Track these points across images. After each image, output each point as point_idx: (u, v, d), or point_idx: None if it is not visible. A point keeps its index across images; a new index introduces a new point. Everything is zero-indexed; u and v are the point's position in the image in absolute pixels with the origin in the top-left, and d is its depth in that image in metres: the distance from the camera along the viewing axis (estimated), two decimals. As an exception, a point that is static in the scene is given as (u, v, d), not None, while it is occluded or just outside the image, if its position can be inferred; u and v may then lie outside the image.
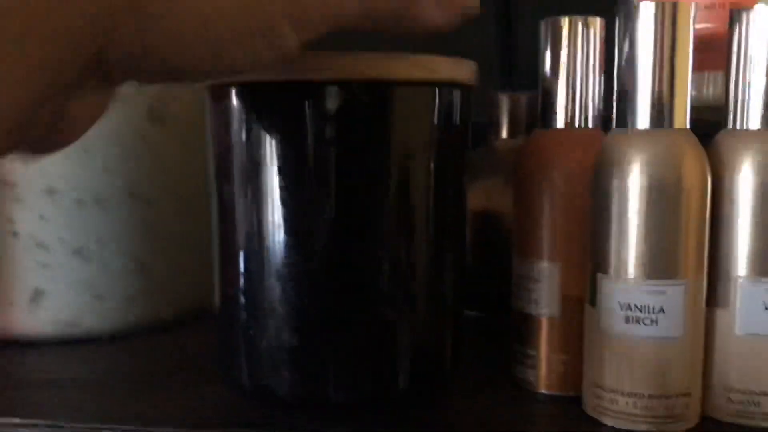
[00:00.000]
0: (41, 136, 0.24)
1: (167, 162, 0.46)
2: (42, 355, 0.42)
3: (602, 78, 0.36)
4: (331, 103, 0.30)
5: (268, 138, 0.31)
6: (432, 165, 0.33)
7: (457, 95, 0.33)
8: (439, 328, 0.34)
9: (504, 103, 0.52)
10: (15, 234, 0.43)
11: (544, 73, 0.36)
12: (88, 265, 0.44)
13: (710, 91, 0.41)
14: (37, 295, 0.43)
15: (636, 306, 0.31)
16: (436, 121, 0.33)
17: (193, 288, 0.48)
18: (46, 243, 0.43)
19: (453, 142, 0.34)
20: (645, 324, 0.31)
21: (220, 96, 0.32)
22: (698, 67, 0.40)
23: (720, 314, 0.33)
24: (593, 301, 0.33)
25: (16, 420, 0.33)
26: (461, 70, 0.33)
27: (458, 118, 0.34)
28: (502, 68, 0.54)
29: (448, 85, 0.32)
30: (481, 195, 0.50)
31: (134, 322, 0.46)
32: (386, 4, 0.27)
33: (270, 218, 0.31)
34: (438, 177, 0.33)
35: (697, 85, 0.40)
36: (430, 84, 0.32)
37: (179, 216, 0.47)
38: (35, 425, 0.33)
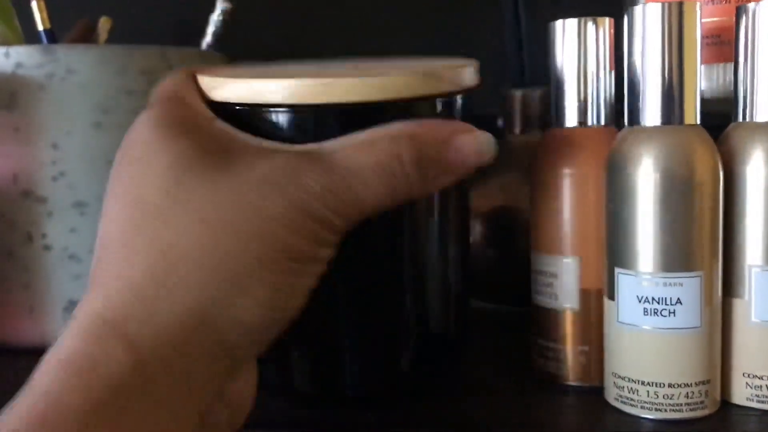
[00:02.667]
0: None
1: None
2: (78, 363, 0.44)
3: (612, 76, 0.37)
4: (330, 127, 0.30)
5: None
6: None
7: (457, 103, 0.34)
8: (446, 320, 0.36)
9: (517, 99, 0.53)
10: (48, 247, 0.44)
11: (555, 73, 0.37)
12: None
13: (722, 83, 0.41)
14: (71, 305, 0.44)
15: (654, 299, 0.32)
16: None
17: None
18: (77, 255, 0.44)
19: None
20: (663, 316, 0.32)
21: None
22: (709, 59, 0.41)
23: (736, 303, 0.34)
24: (612, 295, 0.34)
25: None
26: (463, 75, 0.33)
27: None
28: (515, 66, 0.55)
29: (449, 96, 0.33)
30: (498, 190, 0.51)
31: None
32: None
33: None
34: None
35: (708, 76, 0.41)
36: (431, 97, 0.32)
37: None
38: None
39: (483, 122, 0.48)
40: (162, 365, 0.25)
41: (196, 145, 0.28)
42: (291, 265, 0.26)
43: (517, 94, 0.53)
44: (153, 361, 0.24)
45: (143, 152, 0.28)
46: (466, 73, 0.33)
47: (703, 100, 0.40)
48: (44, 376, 0.24)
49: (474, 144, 0.29)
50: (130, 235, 0.27)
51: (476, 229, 0.50)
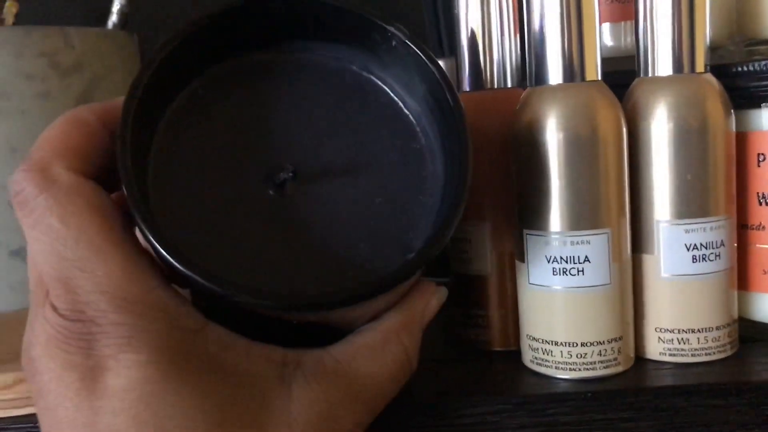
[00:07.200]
0: None
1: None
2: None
3: (517, 39, 0.37)
4: None
5: None
6: None
7: None
8: None
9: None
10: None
11: (460, 38, 0.37)
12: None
13: (629, 40, 0.41)
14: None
15: (562, 258, 0.32)
16: None
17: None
18: (-17, 247, 0.43)
19: None
20: (572, 275, 0.32)
21: None
22: (616, 17, 0.41)
23: (646, 259, 0.34)
24: (522, 257, 0.34)
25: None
26: None
27: None
28: (433, 37, 0.55)
29: None
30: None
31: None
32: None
33: None
34: None
35: (615, 35, 0.41)
36: None
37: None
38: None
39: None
40: None
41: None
42: None
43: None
44: None
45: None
46: None
47: (611, 59, 0.40)
48: None
49: (439, 304, 0.31)
50: None
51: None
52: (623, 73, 0.36)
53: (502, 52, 0.36)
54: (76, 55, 0.45)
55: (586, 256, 0.32)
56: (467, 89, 0.37)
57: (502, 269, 0.36)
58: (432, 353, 0.38)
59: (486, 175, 0.36)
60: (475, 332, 0.37)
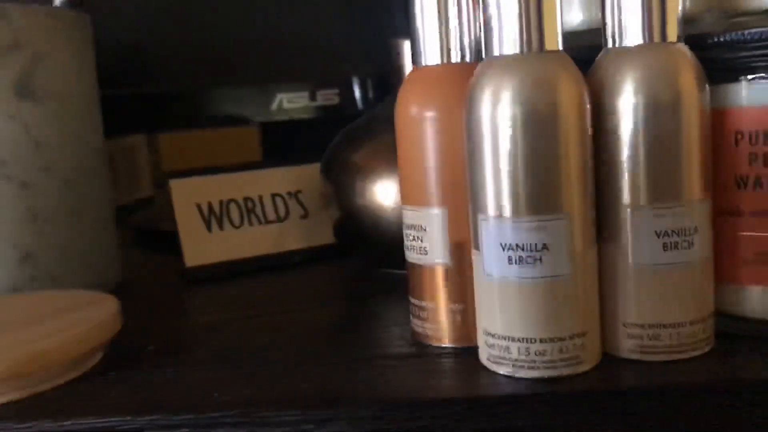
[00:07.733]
0: None
1: (41, 140, 0.43)
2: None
3: (476, 11, 0.34)
4: None
5: None
6: None
7: None
8: None
9: (405, 49, 0.49)
10: None
11: (414, 9, 0.34)
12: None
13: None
14: None
15: (518, 245, 0.29)
16: None
17: (84, 272, 0.45)
18: None
19: None
20: (528, 263, 0.29)
21: None
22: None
23: (612, 247, 0.31)
24: (477, 245, 0.31)
25: None
26: None
27: None
28: (401, 18, 0.52)
29: None
30: (386, 149, 0.47)
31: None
32: None
33: None
34: None
35: (586, 6, 0.38)
36: None
37: (61, 197, 0.44)
38: None
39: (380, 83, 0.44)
40: None
41: None
42: None
43: (405, 44, 0.49)
44: None
45: None
46: None
47: (584, 32, 0.37)
48: None
49: None
50: None
51: (374, 192, 0.47)
52: (596, 49, 0.33)
53: (460, 24, 0.33)
54: (14, 31, 0.42)
55: (544, 244, 0.29)
56: (424, 63, 0.34)
57: (460, 259, 0.33)
58: (385, 350, 0.35)
59: (442, 156, 0.33)
60: (432, 327, 0.34)
